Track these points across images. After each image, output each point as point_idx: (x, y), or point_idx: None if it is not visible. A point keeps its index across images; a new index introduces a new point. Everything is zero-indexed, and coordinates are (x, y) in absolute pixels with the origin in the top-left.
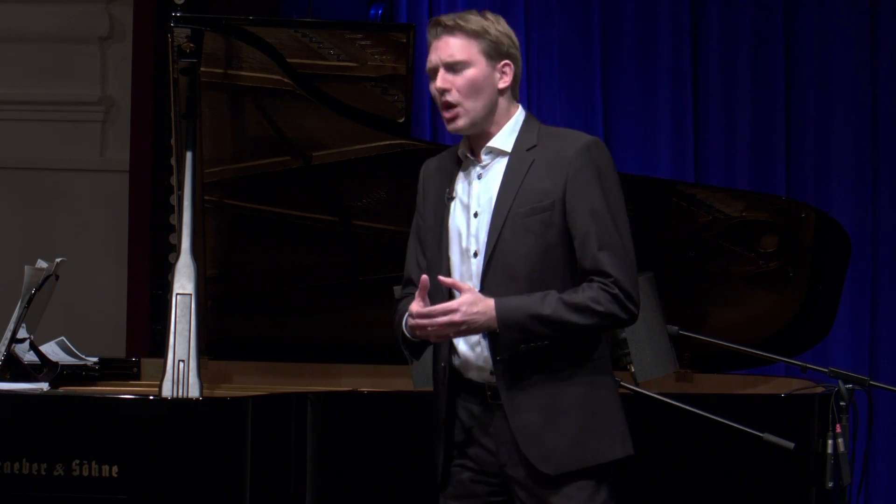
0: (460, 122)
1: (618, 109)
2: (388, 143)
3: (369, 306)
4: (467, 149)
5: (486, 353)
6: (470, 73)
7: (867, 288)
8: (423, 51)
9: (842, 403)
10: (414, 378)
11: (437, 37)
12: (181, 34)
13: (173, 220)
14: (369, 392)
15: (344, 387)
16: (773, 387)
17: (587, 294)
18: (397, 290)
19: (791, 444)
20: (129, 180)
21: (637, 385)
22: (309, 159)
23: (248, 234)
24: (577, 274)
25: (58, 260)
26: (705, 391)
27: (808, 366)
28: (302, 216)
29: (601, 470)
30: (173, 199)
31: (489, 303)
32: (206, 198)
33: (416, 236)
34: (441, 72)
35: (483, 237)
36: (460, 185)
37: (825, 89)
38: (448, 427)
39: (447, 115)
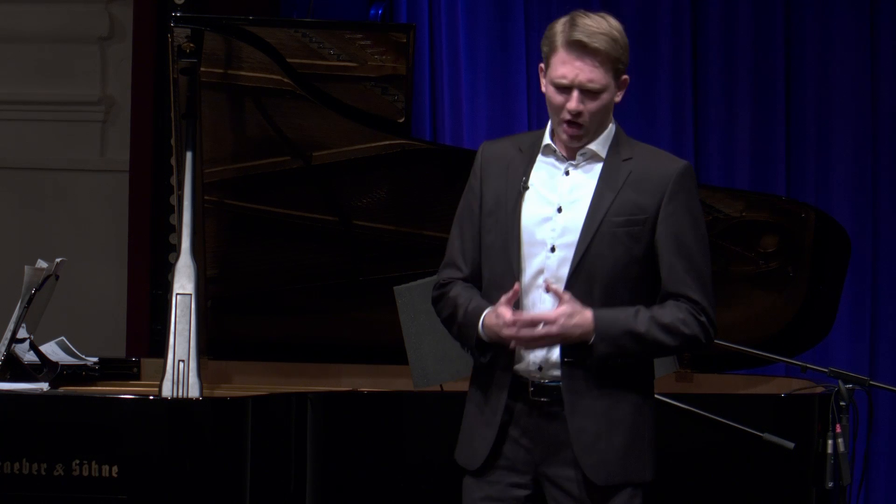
0: (581, 141)
1: (618, 109)
2: (388, 143)
3: (369, 306)
4: (555, 142)
5: (542, 350)
6: (604, 97)
7: (867, 288)
8: (423, 51)
9: (842, 403)
10: (414, 378)
11: (577, 55)
12: (181, 34)
13: (173, 220)
14: (369, 392)
15: (344, 387)
16: (773, 387)
17: (677, 315)
18: (398, 290)
19: (791, 444)
20: (129, 180)
21: None
22: (309, 159)
23: (248, 234)
24: (648, 291)
25: (58, 260)
26: (705, 391)
27: (808, 366)
28: (302, 216)
29: (635, 490)
30: (173, 199)
31: (587, 315)
32: (206, 198)
33: (468, 220)
34: (576, 94)
35: (570, 236)
36: (537, 176)
37: (825, 89)
38: (500, 422)
39: (572, 132)
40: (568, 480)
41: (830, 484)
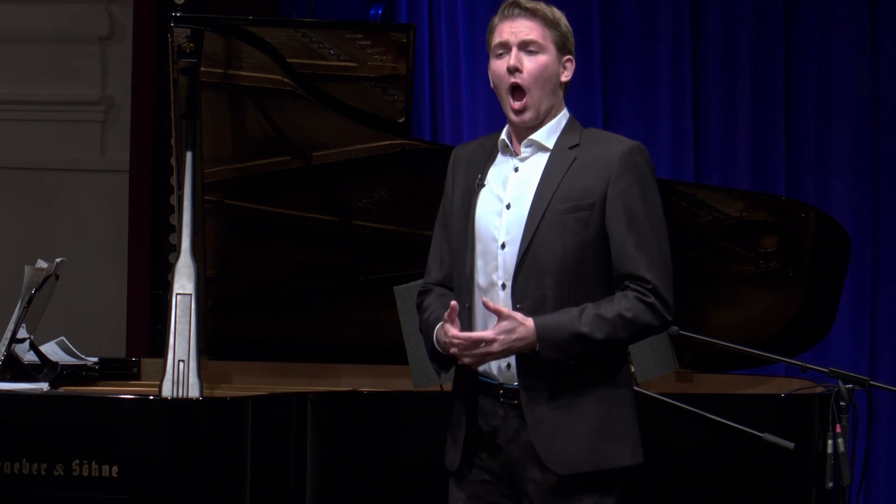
0: (528, 115)
1: (618, 109)
2: (388, 143)
3: (369, 306)
4: (507, 138)
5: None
6: (542, 58)
7: (867, 288)
8: (423, 51)
9: (842, 403)
10: (414, 378)
11: (511, 17)
12: (181, 34)
13: (173, 220)
14: (369, 392)
15: (344, 387)
16: (773, 387)
17: (623, 305)
18: (397, 290)
19: (791, 444)
20: (129, 180)
21: (637, 385)
22: (309, 159)
23: (249, 234)
24: (606, 276)
25: (58, 260)
26: (705, 391)
27: (808, 366)
28: (302, 216)
29: (611, 476)
30: (173, 199)
31: (528, 326)
32: (206, 198)
33: (442, 224)
34: (514, 50)
35: (516, 230)
36: (493, 174)
37: (825, 89)
38: (468, 423)
39: (517, 104)
40: (536, 477)
41: (830, 484)
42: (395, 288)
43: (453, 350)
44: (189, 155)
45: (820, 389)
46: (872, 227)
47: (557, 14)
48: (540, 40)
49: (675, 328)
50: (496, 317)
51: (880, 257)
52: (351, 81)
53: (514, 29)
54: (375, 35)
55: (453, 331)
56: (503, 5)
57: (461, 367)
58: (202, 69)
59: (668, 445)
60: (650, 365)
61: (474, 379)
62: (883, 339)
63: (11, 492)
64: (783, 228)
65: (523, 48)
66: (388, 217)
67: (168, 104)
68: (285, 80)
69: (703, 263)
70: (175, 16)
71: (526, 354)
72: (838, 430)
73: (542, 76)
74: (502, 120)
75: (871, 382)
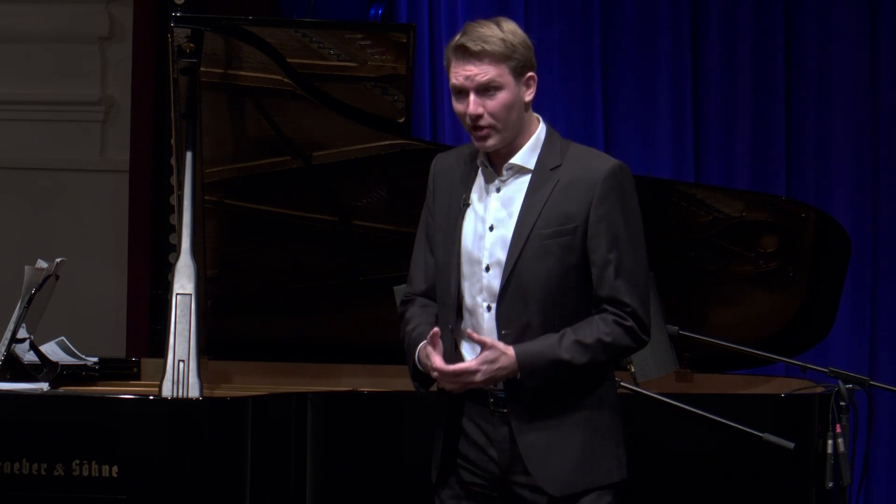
0: (491, 142)
1: (618, 109)
2: (387, 143)
3: (369, 306)
4: (486, 158)
5: None
6: (502, 96)
7: (867, 288)
8: (423, 51)
9: (842, 403)
10: None
11: (464, 61)
12: (181, 34)
13: (173, 220)
14: (369, 392)
15: (344, 387)
16: (773, 387)
17: (602, 329)
18: (397, 290)
19: (791, 444)
20: (129, 180)
21: (637, 385)
22: (309, 159)
23: (249, 234)
24: (589, 297)
25: (58, 260)
26: (705, 391)
27: (808, 366)
28: (302, 216)
29: (604, 491)
30: (173, 199)
31: (510, 355)
32: (206, 198)
33: (423, 234)
34: (472, 96)
35: (499, 253)
36: (476, 194)
37: (825, 89)
38: (449, 431)
39: (478, 133)
40: (530, 489)
41: (830, 484)
42: (395, 288)
43: (434, 375)
44: (189, 155)
45: (820, 389)
46: (872, 227)
47: (510, 38)
48: (497, 79)
49: (675, 328)
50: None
51: (880, 257)
52: (351, 81)
53: (468, 73)
54: (375, 35)
55: (436, 360)
56: (453, 46)
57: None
58: (202, 69)
59: (668, 446)
60: (650, 365)
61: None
62: (883, 339)
63: (11, 492)
64: (783, 228)
65: (481, 92)
66: (388, 217)
67: (168, 104)
68: (285, 80)
69: (703, 263)
70: (175, 16)
71: (512, 379)
72: (838, 430)
73: (505, 112)
74: None
75: (871, 382)
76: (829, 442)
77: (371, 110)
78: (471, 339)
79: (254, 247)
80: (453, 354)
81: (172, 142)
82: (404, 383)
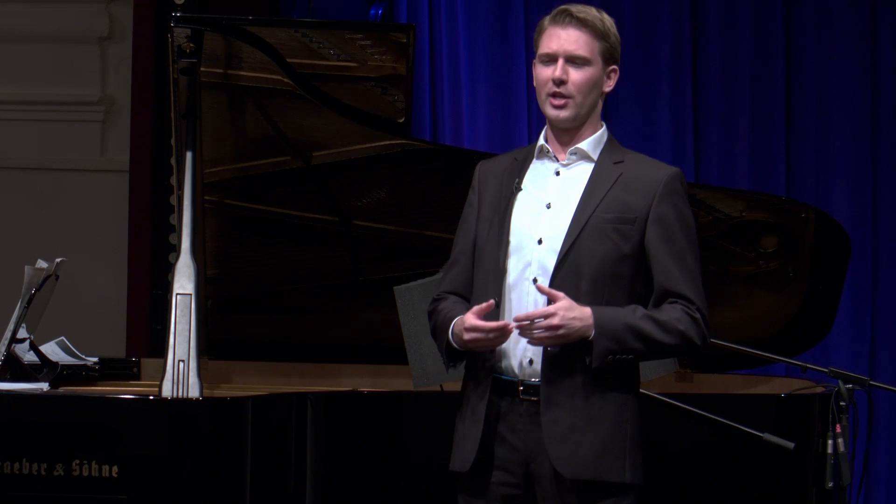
0: (566, 113)
1: (618, 109)
2: (387, 143)
3: (369, 306)
4: (548, 143)
5: (530, 348)
6: (589, 71)
7: (867, 288)
8: (424, 51)
9: (842, 403)
10: (414, 378)
11: (563, 26)
12: (181, 34)
13: (173, 220)
14: (369, 392)
15: (344, 387)
16: (773, 387)
17: (673, 314)
18: (397, 290)
19: (791, 444)
20: (129, 180)
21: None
22: (309, 159)
23: (248, 234)
24: (634, 293)
25: (58, 260)
26: (705, 391)
27: (808, 366)
28: (302, 216)
29: (620, 491)
30: (173, 199)
31: (585, 310)
32: (206, 198)
33: (462, 234)
34: (561, 62)
35: (557, 229)
36: (530, 178)
37: (825, 90)
38: (485, 422)
39: (556, 101)
40: (548, 477)
41: (830, 484)
42: (395, 288)
43: (466, 336)
44: (189, 155)
45: (820, 389)
46: (872, 227)
47: (608, 23)
48: (587, 54)
49: None
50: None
51: (880, 257)
52: (351, 81)
53: (562, 40)
54: (375, 35)
55: (473, 318)
56: (555, 10)
57: (474, 366)
58: (202, 69)
59: (667, 445)
60: (650, 365)
61: (489, 376)
62: (883, 339)
63: (11, 492)
64: (783, 228)
65: (570, 61)
66: (388, 217)
67: (168, 104)
68: (285, 80)
69: (703, 263)
70: (175, 16)
71: (553, 353)
72: (838, 430)
73: (587, 87)
74: (502, 120)
75: (871, 382)
76: (829, 442)
77: (371, 110)
78: (542, 292)
79: (254, 247)
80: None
81: (172, 142)
82: (404, 383)
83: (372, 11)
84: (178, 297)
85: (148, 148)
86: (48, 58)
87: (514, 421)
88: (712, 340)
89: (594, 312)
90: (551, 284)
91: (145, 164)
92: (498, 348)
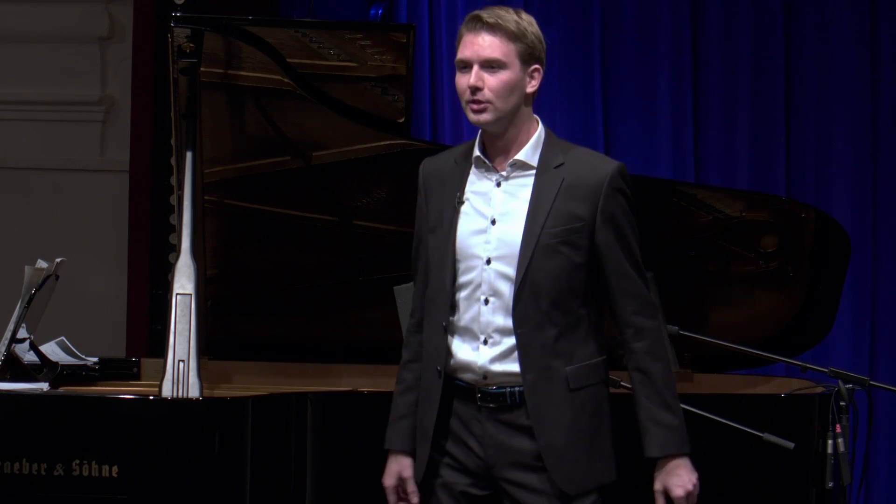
0: (486, 116)
1: (618, 109)
2: (387, 143)
3: (369, 306)
4: (483, 153)
5: (482, 359)
6: (505, 75)
7: (867, 288)
8: (424, 51)
9: (842, 403)
10: None
11: (475, 32)
12: (181, 34)
13: (173, 220)
14: (369, 392)
15: (344, 387)
16: (773, 387)
17: (653, 366)
18: (397, 290)
19: (791, 444)
20: (129, 180)
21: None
22: (309, 159)
23: (248, 234)
24: (596, 296)
25: (58, 260)
26: (705, 391)
27: (808, 366)
28: (302, 216)
29: (600, 491)
30: (173, 199)
31: (671, 462)
32: (206, 198)
33: (419, 243)
34: (475, 68)
35: (505, 248)
36: (471, 190)
37: (825, 89)
38: (437, 429)
39: (474, 107)
40: (529, 487)
41: (830, 484)
42: (395, 288)
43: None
44: (189, 155)
45: (820, 389)
46: (872, 227)
47: (524, 24)
48: (502, 58)
49: (675, 328)
50: (471, 332)
51: (880, 257)
52: (351, 81)
53: (476, 46)
54: (375, 35)
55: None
56: (467, 17)
57: (427, 371)
58: (202, 69)
59: None
60: None
61: (447, 382)
62: (883, 339)
63: (11, 492)
64: (783, 228)
65: (485, 67)
66: (389, 217)
67: (168, 104)
68: (285, 80)
69: (703, 263)
70: (175, 16)
71: (530, 381)
72: (838, 430)
73: (505, 91)
74: None
75: (871, 382)
76: (829, 442)
77: (371, 110)
78: None
79: (254, 247)
80: (445, 350)
81: (172, 142)
82: None
83: (372, 11)
84: (178, 297)
85: (148, 148)
86: (48, 58)
87: (475, 428)
88: (712, 340)
89: (674, 445)
90: (514, 311)
91: (145, 164)
92: (453, 362)
